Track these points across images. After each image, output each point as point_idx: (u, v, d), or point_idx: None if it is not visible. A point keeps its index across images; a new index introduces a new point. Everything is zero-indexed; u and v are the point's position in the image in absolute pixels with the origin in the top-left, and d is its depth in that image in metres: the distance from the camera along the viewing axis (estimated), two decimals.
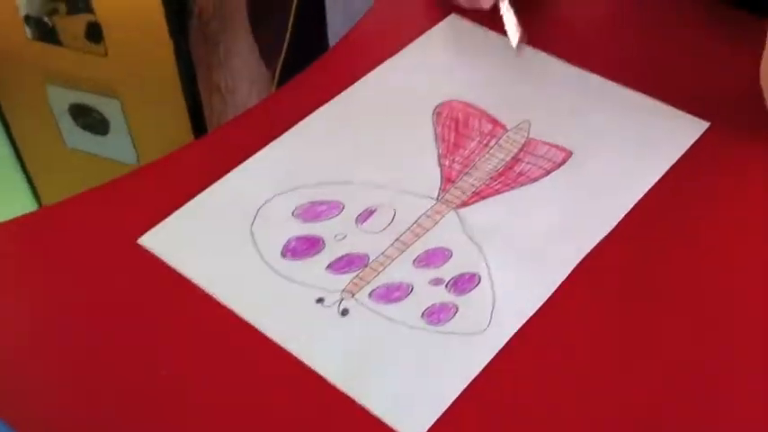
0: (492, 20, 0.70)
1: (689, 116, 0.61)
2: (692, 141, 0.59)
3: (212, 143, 0.65)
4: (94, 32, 0.85)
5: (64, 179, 1.04)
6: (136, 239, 0.54)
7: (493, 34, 0.68)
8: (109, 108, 0.92)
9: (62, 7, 0.85)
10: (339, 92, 0.64)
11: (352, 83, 0.65)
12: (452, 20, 0.71)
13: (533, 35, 0.68)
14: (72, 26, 0.86)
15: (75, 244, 0.55)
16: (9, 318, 0.52)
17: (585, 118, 0.61)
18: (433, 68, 0.67)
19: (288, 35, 1.06)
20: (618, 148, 0.59)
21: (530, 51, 0.66)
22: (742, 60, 0.62)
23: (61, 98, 0.94)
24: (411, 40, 0.69)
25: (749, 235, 0.54)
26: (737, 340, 0.48)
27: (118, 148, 0.96)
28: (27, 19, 0.87)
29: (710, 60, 0.66)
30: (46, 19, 0.86)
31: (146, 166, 0.61)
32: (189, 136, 0.90)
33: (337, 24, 1.20)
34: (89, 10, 0.83)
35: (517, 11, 0.66)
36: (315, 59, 0.69)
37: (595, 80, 0.64)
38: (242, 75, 0.96)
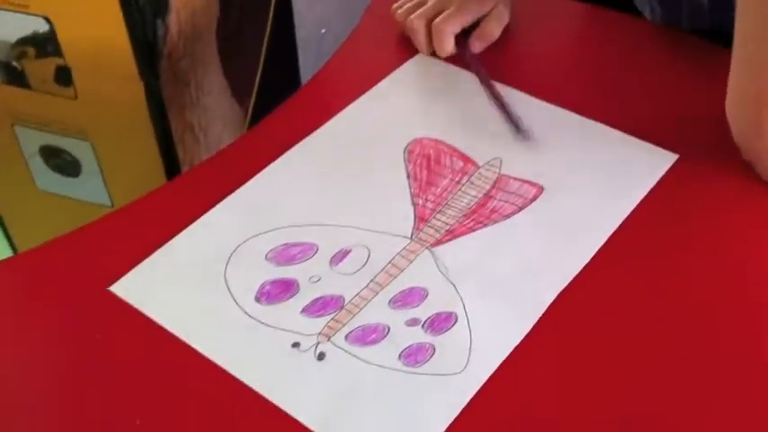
0: (457, 58, 0.70)
1: (658, 148, 0.61)
2: (661, 173, 0.59)
3: (184, 185, 0.65)
4: (64, 76, 0.84)
5: (36, 221, 1.03)
6: (108, 286, 0.54)
7: (459, 71, 0.69)
8: (80, 150, 0.92)
9: (31, 51, 0.84)
10: (310, 131, 0.65)
11: (323, 122, 0.65)
12: (420, 58, 0.71)
13: (499, 71, 0.68)
14: (41, 70, 0.85)
15: (48, 293, 0.55)
16: None
17: (555, 152, 0.62)
18: (402, 106, 0.67)
19: (259, 73, 1.06)
20: (588, 182, 0.59)
21: (497, 86, 0.67)
22: (708, 91, 0.62)
23: (31, 140, 0.94)
24: (382, 77, 0.69)
25: (720, 266, 0.54)
26: (716, 373, 0.49)
27: (90, 190, 0.95)
28: None
29: (677, 92, 0.67)
30: (15, 63, 0.86)
31: (118, 210, 0.61)
32: (162, 176, 0.90)
33: (309, 62, 1.20)
34: (58, 53, 0.83)
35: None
36: (287, 97, 0.69)
37: (563, 114, 0.65)
38: (214, 114, 0.96)
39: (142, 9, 0.79)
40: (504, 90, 0.67)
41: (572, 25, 0.77)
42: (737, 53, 0.56)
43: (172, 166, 0.90)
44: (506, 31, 0.73)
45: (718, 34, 0.70)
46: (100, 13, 0.78)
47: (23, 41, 0.84)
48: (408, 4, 0.74)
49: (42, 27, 0.82)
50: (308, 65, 1.17)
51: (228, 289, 0.53)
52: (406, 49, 0.72)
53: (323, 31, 1.64)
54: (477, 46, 0.71)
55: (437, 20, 0.70)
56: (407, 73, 0.70)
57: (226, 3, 0.93)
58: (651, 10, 0.72)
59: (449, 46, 0.70)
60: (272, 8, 1.07)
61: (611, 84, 0.69)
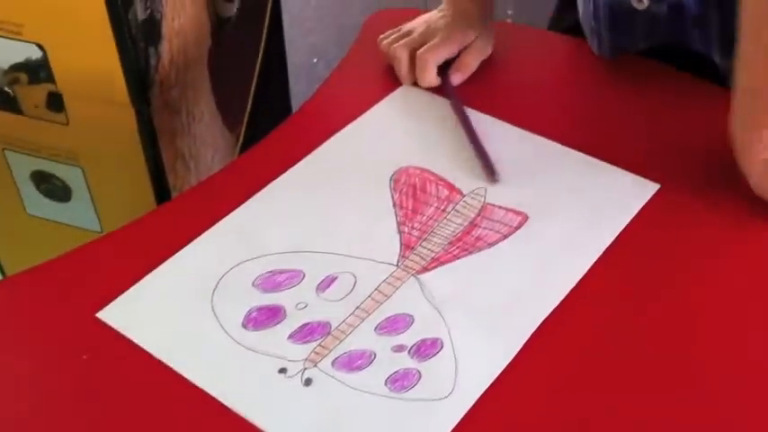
0: (440, 88, 0.71)
1: (640, 178, 0.62)
2: (642, 203, 0.60)
3: (173, 211, 0.65)
4: (56, 102, 0.85)
5: (26, 246, 1.03)
6: (97, 311, 0.54)
7: (445, 102, 0.70)
8: (71, 175, 0.92)
9: (23, 77, 0.85)
10: (300, 158, 0.65)
11: (312, 149, 0.66)
12: (406, 88, 0.72)
13: (482, 100, 0.69)
14: (33, 96, 0.86)
15: (36, 317, 0.55)
16: None
17: (539, 182, 0.63)
18: (388, 135, 0.68)
19: (251, 101, 1.07)
20: (571, 211, 0.60)
21: (480, 116, 0.68)
22: (690, 121, 0.64)
23: (22, 165, 0.94)
24: (371, 106, 0.70)
25: (702, 294, 0.55)
26: (703, 400, 0.49)
27: (80, 216, 0.95)
28: None
29: (659, 122, 0.68)
30: (7, 88, 0.86)
31: (107, 235, 0.61)
32: (152, 203, 0.90)
33: (301, 90, 1.22)
34: (50, 80, 0.83)
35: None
36: (278, 123, 0.70)
37: (546, 144, 0.66)
38: (205, 140, 0.97)
39: (135, 37, 0.80)
40: (488, 120, 0.68)
41: (553, 56, 0.78)
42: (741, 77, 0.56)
43: (162, 193, 0.90)
44: (488, 61, 0.74)
45: (679, 51, 0.70)
46: (92, 41, 0.79)
47: (16, 68, 0.85)
48: (395, 35, 0.75)
49: (35, 54, 0.82)
50: (300, 93, 1.18)
51: (215, 315, 0.54)
52: (395, 78, 0.73)
53: (315, 59, 1.65)
54: (456, 77, 0.71)
55: (421, 50, 0.71)
56: (394, 102, 0.71)
57: (218, 31, 0.94)
58: (599, 41, 0.72)
59: (431, 76, 0.71)
60: (264, 36, 1.08)
61: (594, 114, 0.70)
